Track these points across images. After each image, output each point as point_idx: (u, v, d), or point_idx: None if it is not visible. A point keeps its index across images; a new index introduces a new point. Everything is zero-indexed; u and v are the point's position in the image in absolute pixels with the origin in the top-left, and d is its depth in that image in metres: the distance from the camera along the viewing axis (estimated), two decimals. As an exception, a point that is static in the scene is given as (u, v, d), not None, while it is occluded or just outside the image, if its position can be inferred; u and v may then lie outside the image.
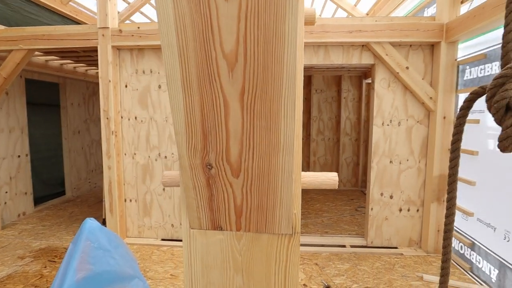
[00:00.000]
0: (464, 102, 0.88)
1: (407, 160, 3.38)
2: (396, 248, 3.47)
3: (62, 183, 5.30)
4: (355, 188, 5.93)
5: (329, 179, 0.56)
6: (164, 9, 0.39)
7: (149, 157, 3.79)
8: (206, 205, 0.50)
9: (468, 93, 0.86)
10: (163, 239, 3.81)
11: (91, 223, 2.23)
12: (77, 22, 4.77)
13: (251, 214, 0.50)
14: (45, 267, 2.90)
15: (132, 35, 3.35)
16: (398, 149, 3.37)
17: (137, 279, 2.32)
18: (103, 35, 3.32)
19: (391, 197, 3.43)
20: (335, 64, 3.76)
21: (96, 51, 3.43)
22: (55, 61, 4.49)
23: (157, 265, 3.06)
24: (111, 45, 3.35)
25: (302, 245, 3.84)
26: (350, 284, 2.74)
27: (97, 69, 5.11)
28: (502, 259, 2.50)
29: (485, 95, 0.79)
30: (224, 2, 0.38)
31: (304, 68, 4.35)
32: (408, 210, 3.44)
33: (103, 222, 3.85)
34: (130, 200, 3.80)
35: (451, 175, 0.98)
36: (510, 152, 0.75)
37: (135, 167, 3.79)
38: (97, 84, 5.84)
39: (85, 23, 4.83)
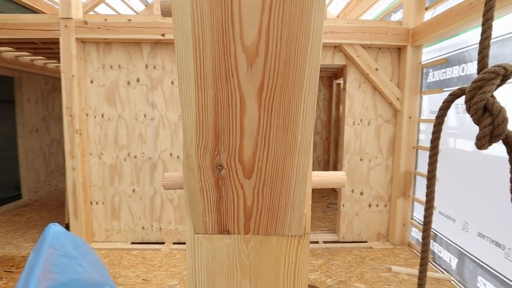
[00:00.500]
0: (443, 103, 0.93)
1: (376, 157, 3.53)
2: (366, 242, 3.62)
3: (18, 186, 4.87)
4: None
5: (338, 178, 0.56)
6: None
7: (117, 157, 3.60)
8: (214, 208, 0.47)
9: (447, 95, 0.91)
10: (133, 243, 3.65)
11: (55, 228, 2.06)
12: (34, 11, 4.40)
13: (261, 216, 0.48)
14: (1, 278, 2.65)
15: (99, 27, 3.15)
16: (368, 147, 3.51)
17: (107, 286, 2.19)
18: (66, 26, 3.08)
19: (361, 193, 3.57)
20: (308, 64, 3.81)
21: (57, 43, 3.18)
22: (10, 52, 4.10)
23: (128, 270, 2.92)
24: (75, 37, 3.13)
25: (276, 243, 3.87)
26: (324, 279, 2.81)
27: (57, 62, 4.74)
28: (461, 248, 2.71)
29: (464, 96, 0.84)
30: (245, -8, 0.36)
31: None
32: (377, 205, 3.60)
33: (66, 227, 3.60)
34: (97, 203, 3.59)
35: (430, 170, 1.03)
36: (486, 149, 0.79)
37: (102, 168, 3.58)
38: (58, 78, 5.42)
39: (44, 13, 4.46)
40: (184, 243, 3.72)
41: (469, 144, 2.69)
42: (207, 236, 0.49)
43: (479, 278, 2.51)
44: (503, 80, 0.77)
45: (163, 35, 3.40)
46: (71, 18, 3.08)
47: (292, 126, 0.41)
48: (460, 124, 2.77)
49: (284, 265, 0.50)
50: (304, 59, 0.38)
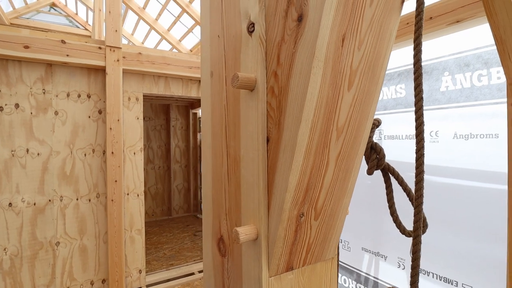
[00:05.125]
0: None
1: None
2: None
3: None
4: (188, 214, 6.11)
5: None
6: (312, 90, 0.46)
7: None
8: (288, 250, 0.55)
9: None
10: None
11: None
12: None
13: (316, 248, 0.60)
14: None
15: None
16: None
17: None
18: None
19: (232, 216, 3.88)
20: (176, 96, 3.92)
21: None
22: None
23: None
24: None
25: (149, 285, 3.55)
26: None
27: None
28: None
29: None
30: (347, 92, 0.51)
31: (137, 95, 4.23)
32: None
33: None
34: None
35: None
36: (372, 174, 1.21)
37: None
38: None
39: None
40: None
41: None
42: (277, 277, 0.56)
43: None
44: (377, 127, 1.22)
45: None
46: None
47: (348, 177, 0.58)
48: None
49: (324, 285, 0.63)
50: (362, 135, 0.57)
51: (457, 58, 2.81)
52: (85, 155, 3.15)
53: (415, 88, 0.95)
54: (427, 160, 3.00)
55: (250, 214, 0.57)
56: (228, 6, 0.65)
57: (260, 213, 0.55)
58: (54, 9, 8.28)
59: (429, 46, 2.98)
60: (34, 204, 2.90)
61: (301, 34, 0.48)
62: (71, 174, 3.08)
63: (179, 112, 6.11)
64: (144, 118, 5.81)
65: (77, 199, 3.10)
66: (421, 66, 0.91)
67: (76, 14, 8.24)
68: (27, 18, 7.56)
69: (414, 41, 0.91)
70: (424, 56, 3.08)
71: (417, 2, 0.88)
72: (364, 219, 3.00)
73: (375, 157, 1.13)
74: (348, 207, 0.61)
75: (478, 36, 2.65)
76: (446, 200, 2.68)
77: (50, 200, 2.97)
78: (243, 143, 0.59)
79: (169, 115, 5.97)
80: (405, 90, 2.68)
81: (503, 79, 2.46)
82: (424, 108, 3.03)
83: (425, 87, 3.00)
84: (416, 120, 0.94)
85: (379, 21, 0.52)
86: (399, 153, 3.26)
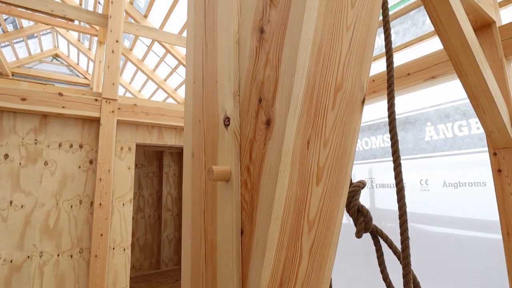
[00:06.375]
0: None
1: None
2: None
3: None
4: (178, 267, 5.80)
5: None
6: (281, 190, 0.49)
7: None
8: None
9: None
10: None
11: None
12: None
13: None
14: None
15: None
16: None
17: None
18: None
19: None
20: (168, 144, 3.96)
21: None
22: None
23: None
24: None
25: None
26: None
27: None
28: None
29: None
30: (316, 187, 0.54)
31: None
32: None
33: None
34: None
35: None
36: (361, 237, 1.19)
37: None
38: None
39: None
40: None
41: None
42: None
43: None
44: (362, 189, 1.23)
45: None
46: None
47: (324, 265, 0.58)
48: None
49: None
50: (335, 223, 0.58)
51: (437, 109, 2.95)
52: (71, 206, 3.07)
53: (393, 154, 0.99)
54: (419, 209, 2.98)
55: (225, 307, 0.56)
56: (208, 96, 0.70)
57: (234, 309, 0.54)
58: (56, 59, 8.65)
59: (410, 98, 3.14)
60: (11, 261, 2.75)
61: (269, 137, 0.52)
62: (54, 228, 2.97)
63: (172, 159, 6.11)
64: (136, 165, 5.79)
65: (58, 255, 2.95)
66: (396, 133, 0.96)
67: (78, 64, 8.61)
68: (29, 68, 7.85)
69: (388, 110, 0.97)
70: (407, 108, 3.23)
71: (387, 74, 0.96)
72: (360, 274, 2.89)
73: (362, 220, 1.13)
74: (326, 293, 0.61)
75: (454, 89, 2.81)
76: (439, 249, 2.62)
77: (28, 257, 2.82)
78: (219, 231, 0.60)
79: (162, 161, 5.96)
80: (391, 141, 2.78)
81: (482, 129, 2.55)
82: (411, 156, 3.10)
83: (410, 136, 3.10)
84: (396, 185, 0.96)
85: (342, 121, 0.56)
86: (390, 202, 3.25)
